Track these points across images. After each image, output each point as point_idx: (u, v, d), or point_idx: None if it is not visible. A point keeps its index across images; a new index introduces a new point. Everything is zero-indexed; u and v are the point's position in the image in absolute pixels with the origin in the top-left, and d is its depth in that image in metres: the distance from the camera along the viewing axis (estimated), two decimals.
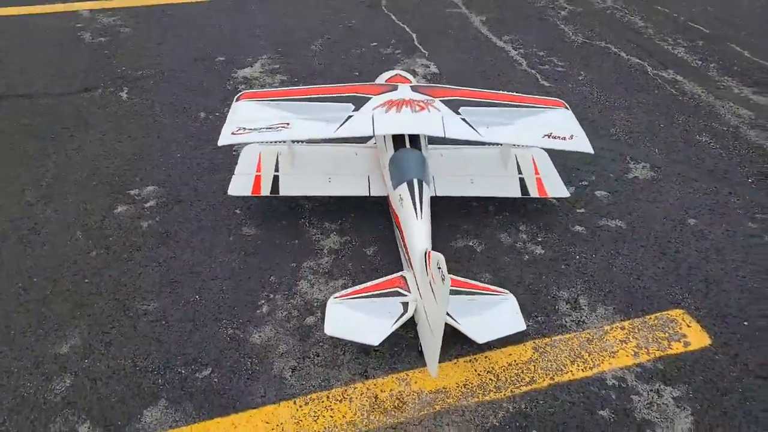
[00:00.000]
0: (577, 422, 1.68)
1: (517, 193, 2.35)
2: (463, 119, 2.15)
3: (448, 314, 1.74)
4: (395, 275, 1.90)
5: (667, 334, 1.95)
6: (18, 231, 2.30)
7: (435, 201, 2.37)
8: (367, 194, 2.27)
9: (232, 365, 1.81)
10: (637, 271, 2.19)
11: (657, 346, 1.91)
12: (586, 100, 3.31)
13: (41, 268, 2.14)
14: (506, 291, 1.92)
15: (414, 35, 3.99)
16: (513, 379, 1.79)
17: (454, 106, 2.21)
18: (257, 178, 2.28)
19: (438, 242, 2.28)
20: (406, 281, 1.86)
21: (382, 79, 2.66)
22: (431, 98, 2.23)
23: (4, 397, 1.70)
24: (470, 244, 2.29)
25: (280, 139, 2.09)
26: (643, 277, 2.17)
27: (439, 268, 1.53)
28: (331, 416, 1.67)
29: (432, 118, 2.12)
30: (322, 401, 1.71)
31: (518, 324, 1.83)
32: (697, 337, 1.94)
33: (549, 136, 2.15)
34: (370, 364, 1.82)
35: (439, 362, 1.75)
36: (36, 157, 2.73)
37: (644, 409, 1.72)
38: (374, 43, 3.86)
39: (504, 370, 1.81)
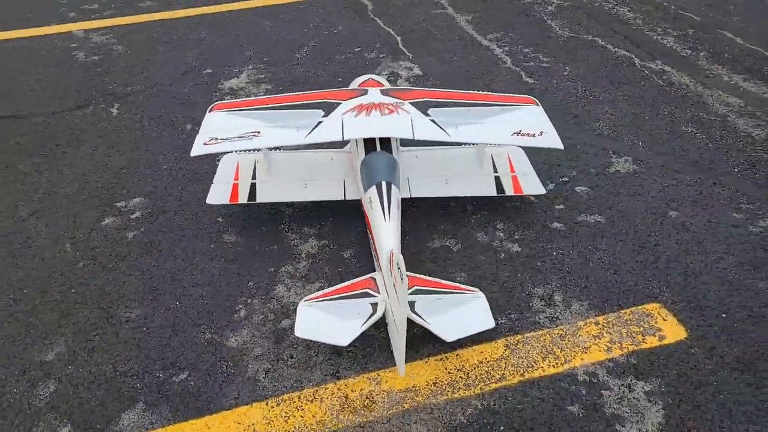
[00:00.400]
0: (546, 418, 1.68)
1: (492, 192, 2.36)
2: (432, 120, 2.18)
3: (416, 313, 1.77)
4: (365, 277, 1.93)
5: (641, 329, 1.93)
6: (10, 245, 2.40)
7: (412, 202, 2.40)
8: (343, 198, 2.31)
9: (208, 368, 1.86)
10: (614, 266, 2.18)
11: (631, 341, 1.89)
12: (570, 95, 3.29)
13: (31, 279, 2.23)
14: (476, 289, 1.93)
15: (399, 38, 4.02)
16: (483, 376, 1.80)
17: (423, 107, 2.23)
18: (235, 187, 2.34)
19: (415, 243, 2.30)
20: (376, 282, 1.88)
21: (355, 84, 2.70)
22: (401, 101, 2.26)
23: None
24: (447, 244, 2.31)
25: (251, 147, 2.14)
26: (620, 272, 2.15)
27: (399, 268, 1.57)
28: (302, 416, 1.71)
29: (401, 121, 2.14)
30: (294, 402, 1.75)
31: (487, 322, 1.84)
32: (673, 331, 1.92)
33: (518, 134, 2.16)
34: (342, 364, 1.85)
35: (411, 361, 1.78)
36: (29, 174, 2.83)
37: (614, 403, 1.71)
38: (358, 48, 3.90)
39: (474, 368, 1.82)
